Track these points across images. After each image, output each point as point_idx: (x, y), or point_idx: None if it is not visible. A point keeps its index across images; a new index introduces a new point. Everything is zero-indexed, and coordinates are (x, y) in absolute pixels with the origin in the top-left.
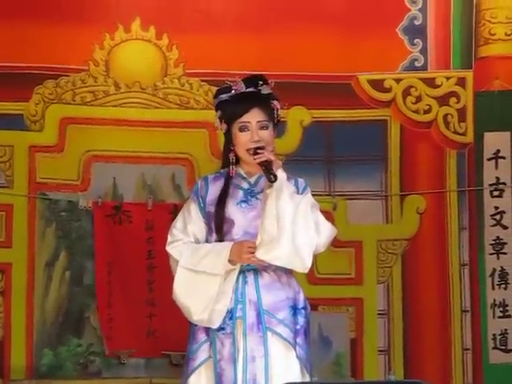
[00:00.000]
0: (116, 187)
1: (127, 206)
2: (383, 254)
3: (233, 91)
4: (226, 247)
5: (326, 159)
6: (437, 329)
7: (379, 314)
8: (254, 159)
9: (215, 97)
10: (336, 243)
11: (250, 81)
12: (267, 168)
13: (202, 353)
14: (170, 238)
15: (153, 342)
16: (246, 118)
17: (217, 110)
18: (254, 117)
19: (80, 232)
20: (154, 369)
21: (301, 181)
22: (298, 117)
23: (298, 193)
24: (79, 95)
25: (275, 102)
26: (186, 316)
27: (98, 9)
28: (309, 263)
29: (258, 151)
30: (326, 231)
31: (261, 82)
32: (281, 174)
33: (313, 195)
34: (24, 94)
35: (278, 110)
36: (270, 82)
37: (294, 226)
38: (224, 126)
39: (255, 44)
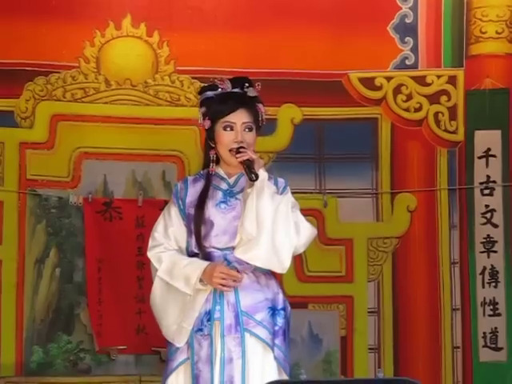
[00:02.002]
0: (106, 184)
1: (118, 202)
2: (374, 252)
3: (219, 89)
4: (199, 268)
5: (317, 157)
6: (427, 327)
7: (369, 311)
8: (237, 158)
9: (200, 93)
10: (326, 241)
11: (237, 81)
12: (249, 167)
13: (181, 354)
14: (151, 243)
15: (143, 339)
16: (231, 117)
17: (201, 106)
18: (239, 118)
19: (70, 229)
20: (143, 366)
21: (281, 180)
22: (288, 114)
23: (277, 192)
24: (70, 92)
25: (260, 106)
26: (160, 328)
27: (88, 6)
28: (287, 264)
29: (241, 150)
30: (305, 232)
31: (247, 84)
32: (262, 174)
33: (303, 193)
34: (14, 90)
35: (262, 114)
36: (256, 84)
37: (273, 226)
38: (207, 123)
39: (246, 41)
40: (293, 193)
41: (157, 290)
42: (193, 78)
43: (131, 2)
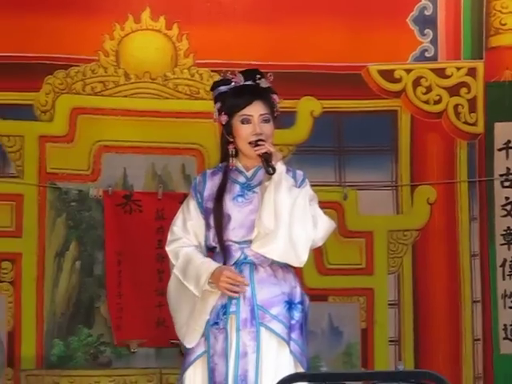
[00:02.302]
0: (126, 177)
1: (137, 195)
2: (394, 245)
3: (232, 83)
4: (208, 269)
5: (337, 149)
6: (447, 319)
7: (390, 304)
8: (255, 151)
9: (213, 89)
10: (346, 233)
11: (249, 74)
12: (267, 160)
13: (198, 347)
14: (169, 237)
15: (163, 332)
16: (248, 110)
17: (215, 102)
18: (256, 110)
19: (90, 222)
20: (164, 358)
21: (299, 173)
22: (308, 107)
23: (296, 185)
24: (89, 85)
25: (274, 96)
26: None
27: None
28: (304, 258)
29: (259, 143)
30: (323, 225)
31: (259, 76)
32: (280, 167)
33: (323, 185)
34: (34, 84)
35: (277, 105)
36: (268, 75)
37: (291, 219)
38: (224, 118)
39: (265, 34)
40: (312, 185)
41: (172, 286)
42: (212, 71)
43: None
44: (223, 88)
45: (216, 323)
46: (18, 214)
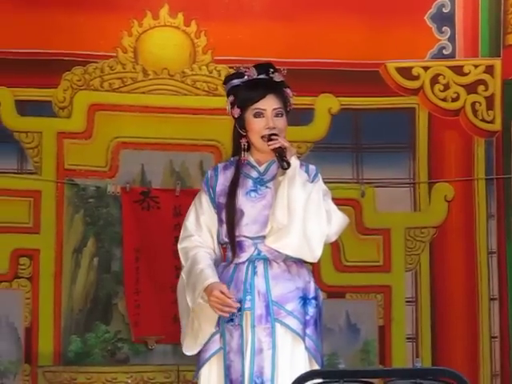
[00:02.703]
0: (144, 174)
1: (155, 191)
2: (411, 242)
3: (245, 77)
4: (202, 284)
5: (354, 147)
6: (464, 316)
7: (407, 301)
8: (269, 145)
9: (225, 82)
10: (364, 231)
11: (262, 68)
12: (281, 155)
13: (213, 344)
14: (182, 233)
15: (179, 328)
16: (261, 104)
17: (228, 96)
18: (269, 104)
19: (108, 219)
20: (181, 355)
21: (312, 167)
22: (326, 104)
23: (309, 180)
24: (107, 82)
25: (288, 90)
26: None
27: None
28: (318, 253)
29: (272, 137)
30: (337, 220)
31: (272, 70)
32: (294, 162)
33: (340, 183)
34: (52, 80)
35: (290, 99)
36: (281, 70)
37: (305, 214)
38: (237, 111)
39: (283, 31)
40: (330, 182)
41: (180, 287)
42: (230, 67)
43: None
44: (236, 81)
45: (231, 320)
46: (36, 211)
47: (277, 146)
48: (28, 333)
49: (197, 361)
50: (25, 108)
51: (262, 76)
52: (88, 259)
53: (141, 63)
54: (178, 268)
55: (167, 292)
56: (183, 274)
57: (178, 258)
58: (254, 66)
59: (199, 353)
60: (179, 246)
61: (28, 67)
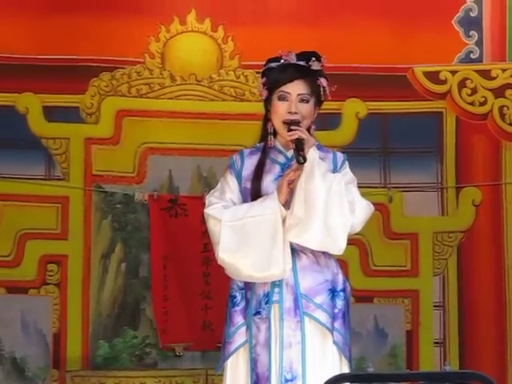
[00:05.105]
0: (172, 179)
1: (183, 199)
2: (439, 246)
3: (282, 60)
4: (269, 195)
5: (382, 151)
6: (492, 321)
7: (435, 305)
8: (288, 136)
9: (265, 65)
10: (392, 235)
11: (304, 55)
12: (298, 147)
13: (239, 336)
14: (207, 202)
15: (208, 335)
16: (287, 87)
17: (262, 77)
18: (295, 88)
19: (136, 224)
20: (209, 360)
21: (339, 155)
22: (353, 109)
23: (336, 168)
24: (135, 87)
25: (322, 80)
26: (238, 277)
27: (153, 1)
28: (343, 244)
29: (292, 127)
30: (361, 209)
31: (314, 58)
32: (312, 154)
33: (368, 187)
34: (80, 86)
35: (324, 88)
36: (323, 59)
37: (326, 206)
38: (265, 93)
39: (310, 36)
40: (358, 187)
41: (226, 237)
42: (257, 72)
43: None
44: (273, 64)
45: (258, 312)
46: (64, 217)
47: (294, 137)
48: (56, 338)
49: (222, 353)
50: (52, 114)
51: (300, 62)
52: (116, 265)
53: (168, 69)
54: (206, 274)
55: (195, 298)
56: (230, 219)
57: (206, 265)
58: (296, 54)
59: (224, 345)
60: (207, 210)
61: (55, 73)
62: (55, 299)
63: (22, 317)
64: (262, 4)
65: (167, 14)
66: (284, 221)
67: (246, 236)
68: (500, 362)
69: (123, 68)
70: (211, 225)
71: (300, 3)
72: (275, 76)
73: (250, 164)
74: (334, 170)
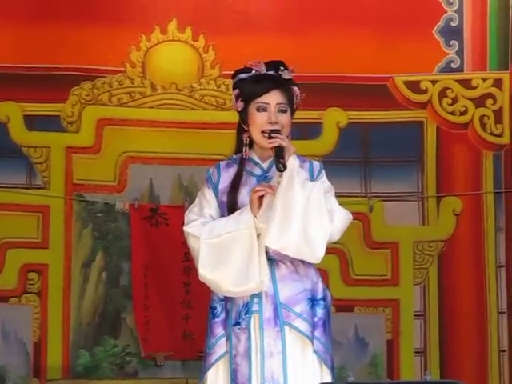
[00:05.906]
0: (152, 188)
1: (164, 208)
2: (419, 256)
3: (253, 71)
4: (244, 208)
5: (363, 160)
6: (473, 330)
7: (415, 315)
8: (268, 143)
9: (233, 76)
10: (372, 244)
11: (272, 65)
12: (278, 154)
13: (220, 348)
14: (186, 220)
15: (189, 344)
16: (265, 98)
17: (234, 89)
18: (273, 98)
19: (116, 233)
20: (190, 370)
21: (316, 164)
22: (334, 118)
23: (313, 177)
24: (116, 96)
25: (295, 88)
26: (219, 292)
27: (134, 10)
28: (321, 253)
29: (273, 135)
30: (340, 218)
31: (282, 68)
32: (292, 162)
33: (349, 196)
34: (61, 95)
35: (297, 97)
36: (291, 68)
37: (305, 215)
38: (240, 105)
39: (292, 45)
40: (338, 196)
41: (205, 254)
42: None
43: (177, 7)
44: (243, 75)
45: (238, 323)
46: (45, 225)
47: (275, 144)
48: (37, 347)
49: (203, 364)
50: (33, 123)
51: (270, 72)
52: (96, 273)
53: (149, 78)
54: (187, 284)
55: (176, 308)
56: (208, 236)
57: (187, 274)
58: (264, 63)
59: (205, 356)
60: (186, 228)
61: (36, 82)
62: (36, 308)
63: (2, 325)
64: (243, 13)
65: (148, 23)
66: (259, 235)
67: (223, 252)
68: (481, 371)
69: (104, 77)
70: (191, 242)
71: (281, 12)
72: (250, 87)
73: (226, 177)
74: (311, 179)
